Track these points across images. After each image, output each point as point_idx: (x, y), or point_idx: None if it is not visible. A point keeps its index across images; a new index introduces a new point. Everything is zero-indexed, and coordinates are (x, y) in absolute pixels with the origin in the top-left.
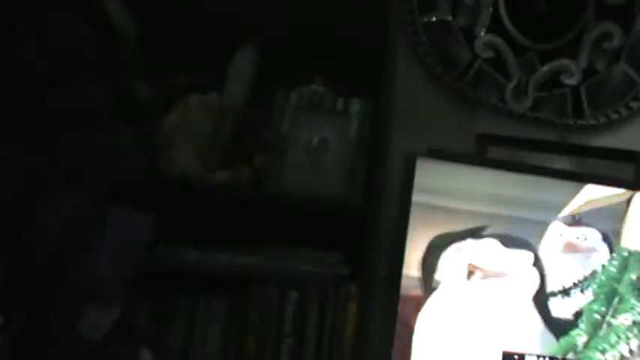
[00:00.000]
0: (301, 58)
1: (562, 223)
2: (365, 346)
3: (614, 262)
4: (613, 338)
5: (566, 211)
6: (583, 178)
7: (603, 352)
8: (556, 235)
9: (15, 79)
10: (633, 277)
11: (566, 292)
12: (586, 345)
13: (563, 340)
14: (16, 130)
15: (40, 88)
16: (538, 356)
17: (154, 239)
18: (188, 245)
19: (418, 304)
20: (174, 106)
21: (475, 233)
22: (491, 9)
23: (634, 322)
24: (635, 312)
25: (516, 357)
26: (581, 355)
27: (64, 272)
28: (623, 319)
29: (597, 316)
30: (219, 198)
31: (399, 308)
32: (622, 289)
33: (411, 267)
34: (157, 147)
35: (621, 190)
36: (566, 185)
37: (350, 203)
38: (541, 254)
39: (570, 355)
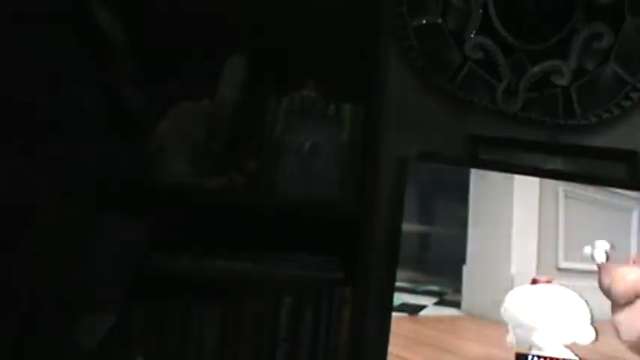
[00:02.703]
0: (292, 64)
1: None
2: (360, 350)
3: None
4: None
5: None
6: (575, 177)
7: None
8: None
9: (5, 85)
10: None
11: None
12: None
13: None
14: (8, 137)
15: (32, 95)
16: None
17: (148, 246)
18: (182, 251)
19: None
20: (166, 113)
21: None
22: (480, 11)
23: None
24: None
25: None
26: None
27: (58, 280)
28: None
29: None
30: (212, 204)
31: None
32: None
33: None
34: (150, 154)
35: None
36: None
37: (343, 207)
38: None
39: None
